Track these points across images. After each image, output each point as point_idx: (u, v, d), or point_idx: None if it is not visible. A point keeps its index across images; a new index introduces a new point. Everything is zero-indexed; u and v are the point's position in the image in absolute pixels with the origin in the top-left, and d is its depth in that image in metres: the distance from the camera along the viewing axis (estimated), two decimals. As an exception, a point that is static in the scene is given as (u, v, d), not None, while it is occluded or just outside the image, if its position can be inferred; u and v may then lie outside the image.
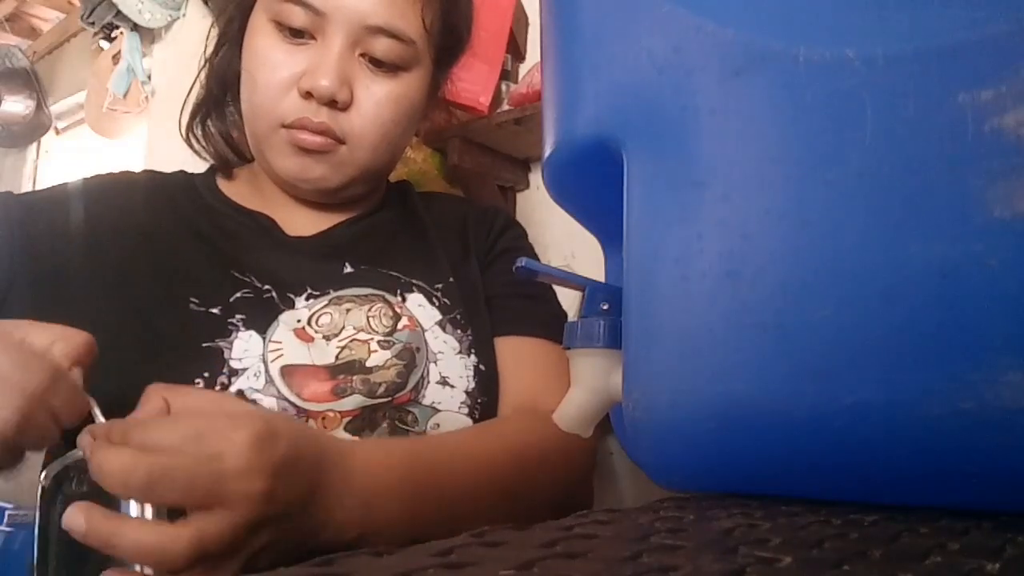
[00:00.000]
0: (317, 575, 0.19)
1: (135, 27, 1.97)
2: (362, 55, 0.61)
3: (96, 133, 2.11)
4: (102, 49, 2.12)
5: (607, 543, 0.23)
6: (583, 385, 0.38)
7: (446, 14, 0.67)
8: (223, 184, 0.70)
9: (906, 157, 0.26)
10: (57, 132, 2.66)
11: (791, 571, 0.20)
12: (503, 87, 1.15)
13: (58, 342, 0.42)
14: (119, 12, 1.91)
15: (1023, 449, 0.24)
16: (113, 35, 2.07)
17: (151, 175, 0.70)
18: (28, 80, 2.56)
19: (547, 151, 0.39)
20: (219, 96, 0.71)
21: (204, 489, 0.37)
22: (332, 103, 0.60)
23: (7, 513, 2.08)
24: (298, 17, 0.60)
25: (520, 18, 1.19)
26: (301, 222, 0.67)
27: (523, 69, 1.20)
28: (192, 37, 1.90)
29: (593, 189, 0.39)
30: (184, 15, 1.95)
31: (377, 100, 0.62)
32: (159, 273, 0.59)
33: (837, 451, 0.28)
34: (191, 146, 0.73)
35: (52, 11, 2.74)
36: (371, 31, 0.60)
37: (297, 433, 0.41)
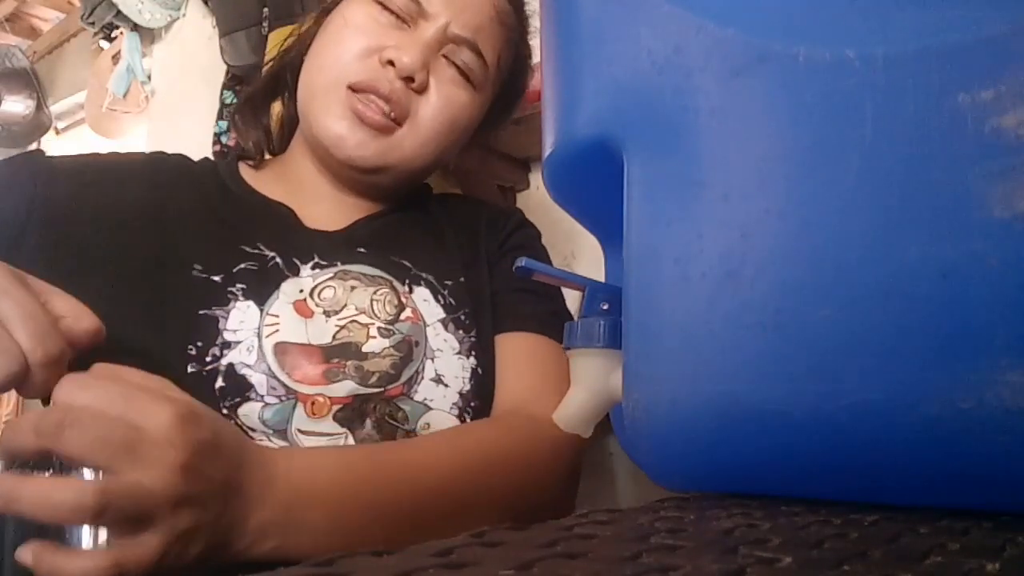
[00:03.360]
0: (317, 575, 0.19)
1: (135, 27, 1.97)
2: (444, 56, 0.65)
3: (96, 133, 2.11)
4: (102, 49, 2.11)
5: (607, 543, 0.23)
6: (583, 385, 0.38)
7: (514, 65, 0.73)
8: (246, 172, 0.71)
9: (906, 157, 0.26)
10: (57, 132, 2.66)
11: (791, 571, 0.20)
12: (503, 87, 1.15)
13: (68, 319, 0.41)
14: (119, 12, 1.91)
15: (1023, 449, 0.24)
16: (113, 35, 2.07)
17: (180, 158, 0.71)
18: (28, 80, 2.56)
19: (547, 151, 0.39)
20: (285, 79, 0.72)
21: (118, 445, 0.35)
22: (408, 80, 0.62)
23: None
24: (400, 2, 0.64)
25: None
26: (321, 216, 0.67)
27: (523, 69, 1.20)
28: (192, 37, 1.90)
29: (593, 189, 0.39)
30: (184, 15, 1.95)
31: (447, 96, 0.65)
32: (168, 241, 0.59)
33: (837, 451, 0.28)
34: (235, 126, 0.74)
35: (52, 11, 2.74)
36: (459, 41, 0.65)
37: (221, 424, 0.41)
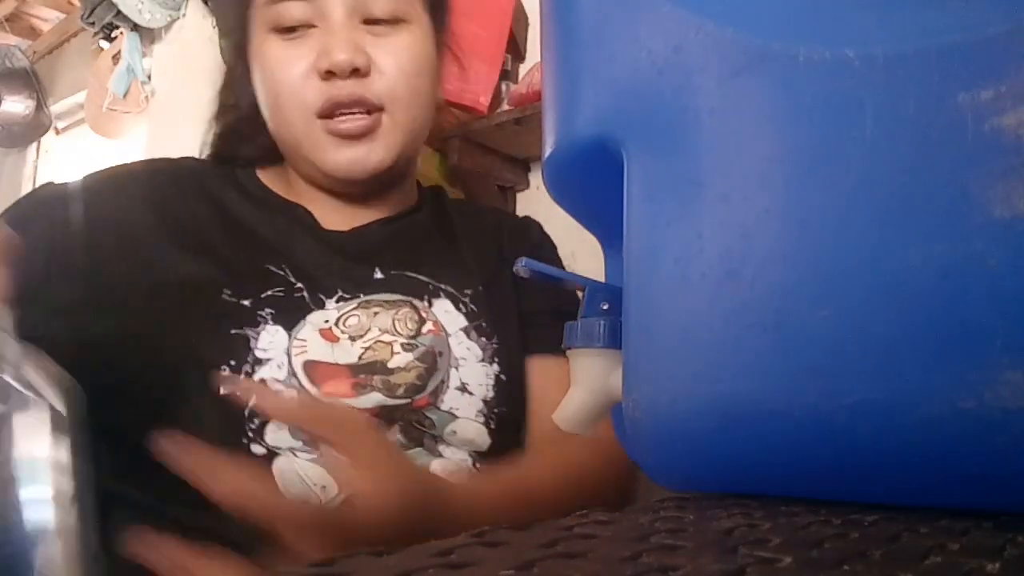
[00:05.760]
0: (317, 575, 0.19)
1: (135, 27, 1.97)
2: (363, 22, 0.63)
3: (96, 133, 2.11)
4: (102, 49, 2.12)
5: (607, 543, 0.23)
6: (583, 385, 0.38)
7: None
8: (263, 175, 0.71)
9: (906, 157, 0.26)
10: (57, 132, 2.66)
11: (791, 571, 0.20)
12: (503, 87, 1.15)
13: None
14: (119, 12, 1.91)
15: (1023, 449, 0.24)
16: (113, 35, 2.07)
17: (194, 164, 0.71)
18: (28, 80, 2.56)
19: (547, 151, 0.39)
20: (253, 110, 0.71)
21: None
22: (355, 72, 0.61)
23: None
24: (295, 10, 0.61)
25: (520, 18, 1.19)
26: (337, 217, 0.67)
27: (523, 69, 1.20)
28: (192, 37, 1.90)
29: (593, 189, 0.39)
30: (184, 15, 1.95)
31: (393, 54, 0.63)
32: (195, 262, 0.59)
33: (837, 451, 0.27)
34: (234, 148, 0.73)
35: (52, 11, 2.74)
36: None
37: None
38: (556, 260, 0.77)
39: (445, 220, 0.74)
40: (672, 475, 0.35)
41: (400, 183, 0.71)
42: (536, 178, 1.20)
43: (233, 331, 0.56)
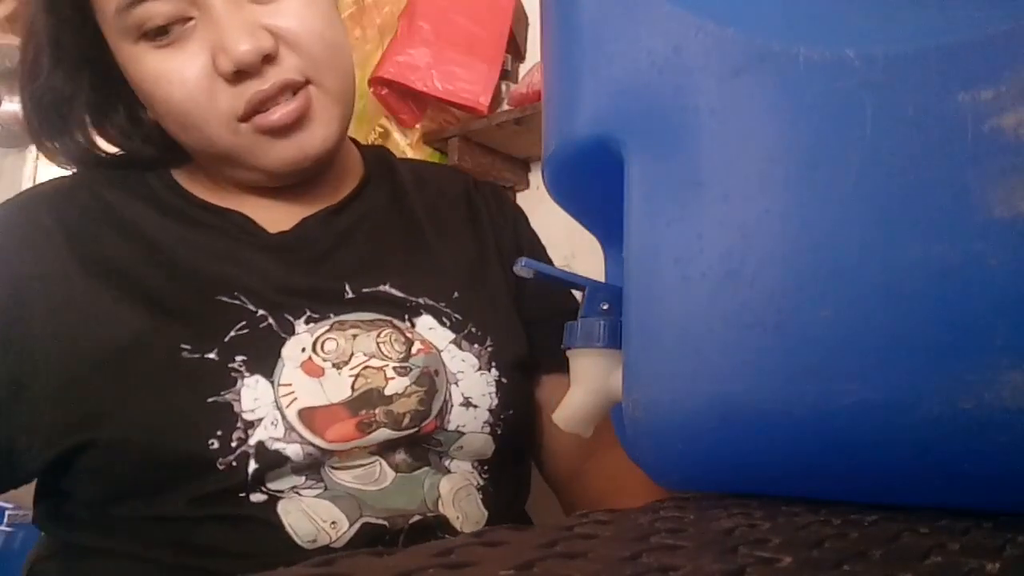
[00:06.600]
0: (317, 575, 0.19)
1: (135, 27, 1.97)
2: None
3: (96, 133, 2.10)
4: (102, 49, 2.11)
5: (607, 543, 0.23)
6: (583, 385, 0.38)
7: None
8: (181, 178, 0.61)
9: (906, 157, 0.26)
10: (57, 132, 2.65)
11: (791, 571, 0.20)
12: (503, 87, 1.15)
13: None
14: (119, 12, 1.91)
15: (1023, 449, 0.24)
16: (113, 35, 2.06)
17: (93, 178, 0.60)
18: (28, 80, 2.56)
19: (547, 151, 0.39)
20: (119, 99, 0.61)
21: None
22: (266, 59, 0.52)
23: (7, 513, 2.08)
24: (161, 7, 0.51)
25: (520, 18, 1.19)
26: (278, 215, 0.61)
27: (523, 69, 1.21)
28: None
29: (593, 189, 0.39)
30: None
31: (293, 15, 0.54)
32: (139, 319, 0.52)
33: (837, 451, 0.27)
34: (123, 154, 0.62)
35: (52, 11, 2.73)
36: None
37: None
38: (542, 249, 0.73)
39: (401, 198, 0.66)
40: (672, 475, 0.35)
41: (339, 157, 0.63)
42: (536, 178, 1.20)
43: (210, 399, 0.49)
